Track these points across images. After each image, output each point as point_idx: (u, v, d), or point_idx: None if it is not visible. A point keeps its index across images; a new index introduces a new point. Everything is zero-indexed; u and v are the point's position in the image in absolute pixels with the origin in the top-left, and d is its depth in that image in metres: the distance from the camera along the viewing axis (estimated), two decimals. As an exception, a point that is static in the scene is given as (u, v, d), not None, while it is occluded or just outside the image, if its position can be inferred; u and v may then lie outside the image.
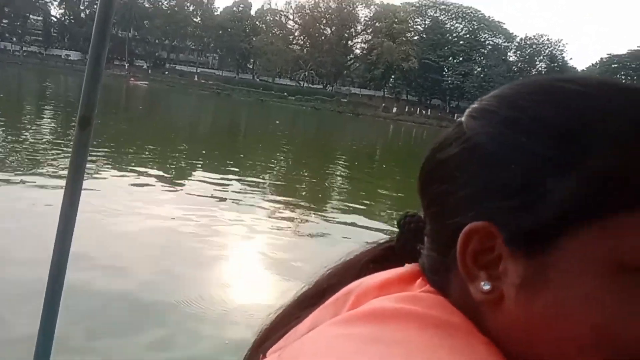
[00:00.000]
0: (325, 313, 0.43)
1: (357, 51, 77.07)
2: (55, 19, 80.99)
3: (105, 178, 9.04)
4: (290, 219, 8.21)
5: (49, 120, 18.41)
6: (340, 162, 18.35)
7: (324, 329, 0.39)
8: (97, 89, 1.22)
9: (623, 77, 64.51)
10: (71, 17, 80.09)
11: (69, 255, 1.30)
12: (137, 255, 5.49)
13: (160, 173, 10.64)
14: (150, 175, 10.10)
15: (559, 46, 69.60)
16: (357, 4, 74.66)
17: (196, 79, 73.13)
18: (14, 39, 75.96)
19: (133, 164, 11.12)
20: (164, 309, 4.30)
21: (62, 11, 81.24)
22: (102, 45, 1.19)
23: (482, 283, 0.38)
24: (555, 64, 67.22)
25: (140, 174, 10.07)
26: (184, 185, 9.80)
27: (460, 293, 0.40)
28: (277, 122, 36.27)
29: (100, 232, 5.88)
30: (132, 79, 62.81)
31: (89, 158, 1.25)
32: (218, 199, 8.75)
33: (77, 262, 4.42)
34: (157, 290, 4.66)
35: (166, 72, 75.07)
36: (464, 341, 0.35)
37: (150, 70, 74.50)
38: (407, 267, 0.45)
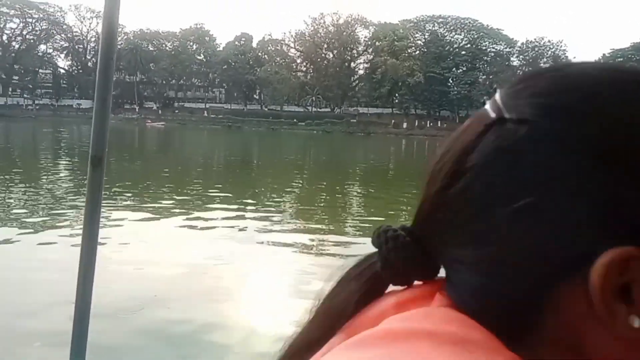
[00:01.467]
0: (338, 339, 0.39)
1: (361, 71, 78.06)
2: (63, 71, 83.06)
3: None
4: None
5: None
6: (369, 183, 18.57)
7: (334, 354, 0.36)
8: (106, 129, 1.29)
9: (627, 70, 64.47)
10: (79, 67, 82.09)
11: (92, 294, 1.36)
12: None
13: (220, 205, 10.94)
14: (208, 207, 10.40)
15: (561, 46, 70.15)
16: (355, 25, 75.95)
17: (206, 114, 74.31)
18: (26, 94, 77.92)
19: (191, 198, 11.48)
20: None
21: (69, 62, 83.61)
22: (107, 87, 1.27)
23: (630, 318, 0.31)
24: (559, 64, 67.44)
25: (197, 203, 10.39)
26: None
27: (558, 336, 0.33)
28: (295, 149, 36.75)
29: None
30: (149, 121, 64.65)
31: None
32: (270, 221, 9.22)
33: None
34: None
35: (177, 111, 76.39)
36: (486, 359, 0.31)
37: (160, 111, 75.85)
38: (426, 285, 0.40)
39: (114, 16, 1.26)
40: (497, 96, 0.37)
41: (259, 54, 77.62)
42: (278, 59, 77.03)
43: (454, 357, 0.31)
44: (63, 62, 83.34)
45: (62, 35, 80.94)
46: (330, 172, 21.21)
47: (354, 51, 76.47)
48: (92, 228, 1.33)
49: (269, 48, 78.28)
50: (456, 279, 0.37)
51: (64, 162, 20.27)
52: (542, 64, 70.13)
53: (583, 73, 0.36)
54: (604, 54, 70.35)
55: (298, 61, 78.70)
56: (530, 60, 70.14)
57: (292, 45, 78.74)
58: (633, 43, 65.16)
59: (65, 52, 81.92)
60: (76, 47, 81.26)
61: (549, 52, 70.31)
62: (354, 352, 0.34)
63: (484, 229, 0.34)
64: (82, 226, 1.35)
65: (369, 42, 75.55)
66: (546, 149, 0.33)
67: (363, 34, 76.76)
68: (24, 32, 78.14)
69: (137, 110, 75.52)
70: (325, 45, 75.78)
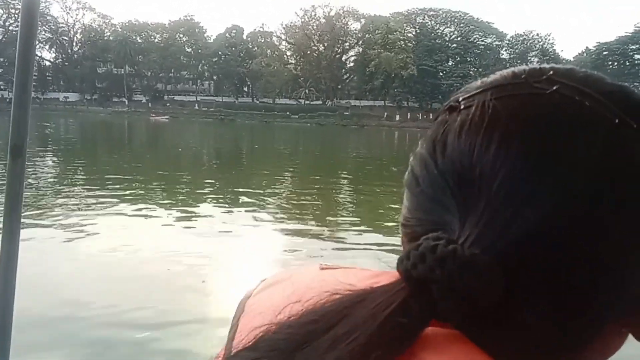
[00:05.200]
0: None
1: (351, 64, 78.16)
2: (49, 63, 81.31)
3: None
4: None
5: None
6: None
7: None
8: (27, 117, 1.21)
9: (611, 63, 66.17)
10: (64, 59, 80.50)
11: (15, 291, 1.27)
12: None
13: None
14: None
15: (549, 40, 71.44)
16: (347, 18, 75.98)
17: (197, 107, 73.73)
18: (10, 87, 75.92)
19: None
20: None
21: (54, 55, 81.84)
22: (27, 73, 1.19)
23: None
24: (547, 57, 68.79)
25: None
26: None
27: None
28: (294, 141, 36.83)
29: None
30: (153, 115, 64.56)
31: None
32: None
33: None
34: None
35: (167, 104, 75.60)
36: None
37: (150, 104, 74.97)
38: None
39: None
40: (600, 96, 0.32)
41: (250, 46, 77.14)
42: (269, 51, 76.66)
43: None
44: (48, 54, 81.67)
45: (47, 26, 79.09)
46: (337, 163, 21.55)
47: (346, 44, 76.53)
48: (13, 223, 1.24)
49: (259, 40, 77.84)
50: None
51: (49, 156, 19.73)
52: (530, 57, 71.41)
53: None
54: (587, 47, 71.91)
55: (288, 53, 78.46)
56: (519, 54, 71.34)
57: (283, 37, 78.49)
58: (618, 37, 66.68)
59: (49, 43, 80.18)
60: (61, 38, 79.63)
61: (538, 46, 71.56)
62: None
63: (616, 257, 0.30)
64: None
65: (360, 35, 75.68)
66: None
67: (354, 26, 76.92)
68: (7, 24, 76.22)
69: (126, 103, 74.54)
70: (317, 38, 75.67)
